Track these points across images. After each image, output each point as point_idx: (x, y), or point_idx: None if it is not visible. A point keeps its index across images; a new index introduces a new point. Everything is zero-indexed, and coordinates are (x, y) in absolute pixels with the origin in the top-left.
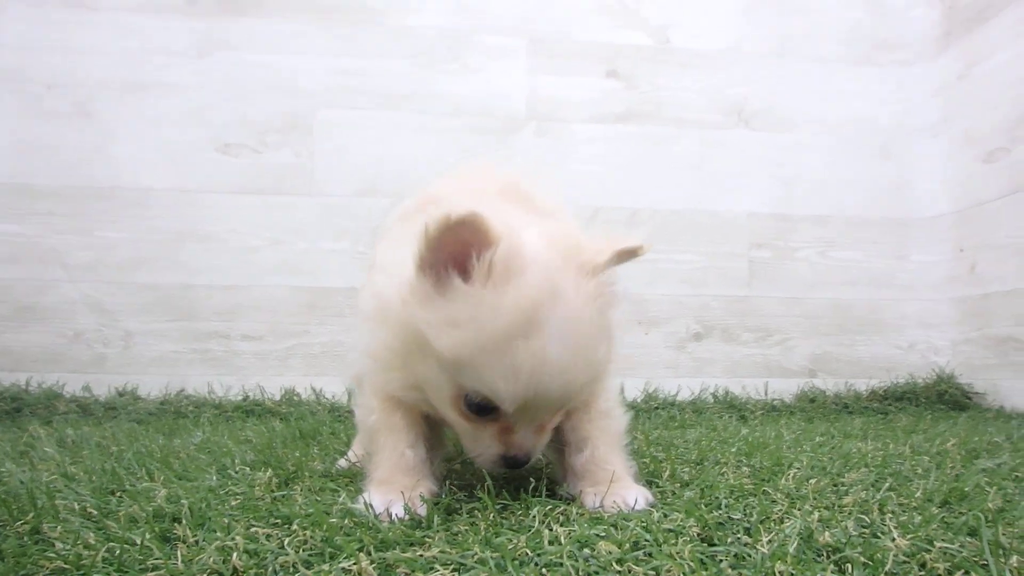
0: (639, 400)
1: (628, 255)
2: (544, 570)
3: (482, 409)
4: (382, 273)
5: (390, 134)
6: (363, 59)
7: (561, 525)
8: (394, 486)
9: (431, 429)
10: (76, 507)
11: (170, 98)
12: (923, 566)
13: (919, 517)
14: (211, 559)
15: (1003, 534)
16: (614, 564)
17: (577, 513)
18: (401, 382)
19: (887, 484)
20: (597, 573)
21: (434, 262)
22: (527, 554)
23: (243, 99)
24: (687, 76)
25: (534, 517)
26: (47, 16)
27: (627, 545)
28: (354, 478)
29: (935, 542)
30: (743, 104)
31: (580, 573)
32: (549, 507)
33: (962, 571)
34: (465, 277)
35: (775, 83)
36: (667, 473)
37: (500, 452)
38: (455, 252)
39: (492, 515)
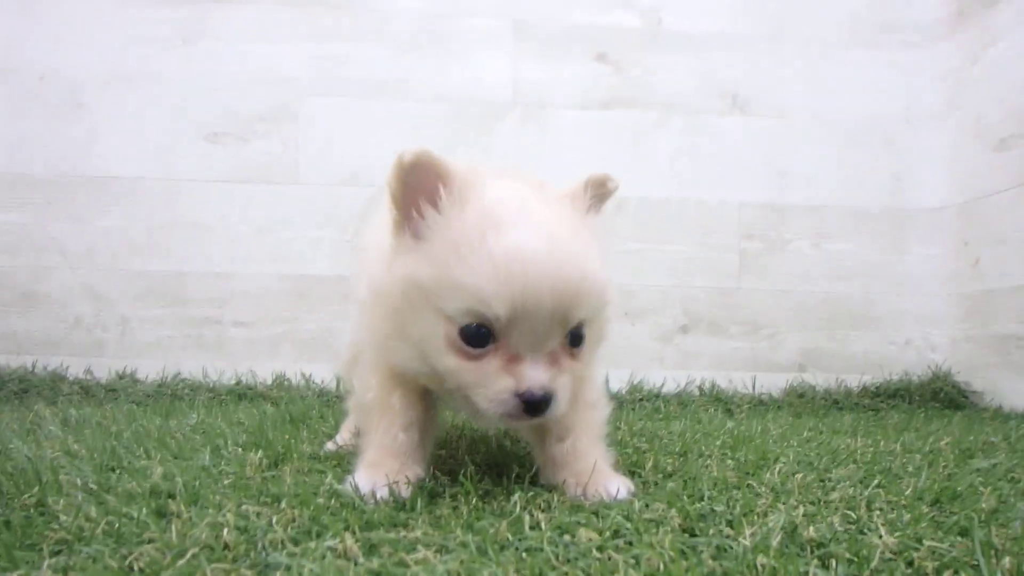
0: (623, 392)
1: (599, 185)
2: (524, 555)
3: (477, 335)
4: (372, 258)
5: (374, 122)
6: (346, 46)
7: (542, 512)
8: (381, 469)
9: (426, 411)
10: (78, 482)
11: (157, 88)
12: (910, 564)
13: (908, 515)
14: (203, 534)
15: (996, 535)
16: (594, 551)
17: (558, 501)
18: (401, 352)
19: (876, 481)
20: (577, 559)
21: (405, 209)
22: (508, 539)
23: (229, 88)
24: (679, 60)
25: (515, 503)
26: (34, 8)
27: (607, 533)
28: (341, 460)
29: (924, 540)
30: (737, 89)
31: (560, 559)
32: (531, 494)
33: (951, 570)
34: (437, 209)
35: (771, 67)
36: (650, 464)
37: (512, 388)
38: (421, 191)
39: (474, 500)
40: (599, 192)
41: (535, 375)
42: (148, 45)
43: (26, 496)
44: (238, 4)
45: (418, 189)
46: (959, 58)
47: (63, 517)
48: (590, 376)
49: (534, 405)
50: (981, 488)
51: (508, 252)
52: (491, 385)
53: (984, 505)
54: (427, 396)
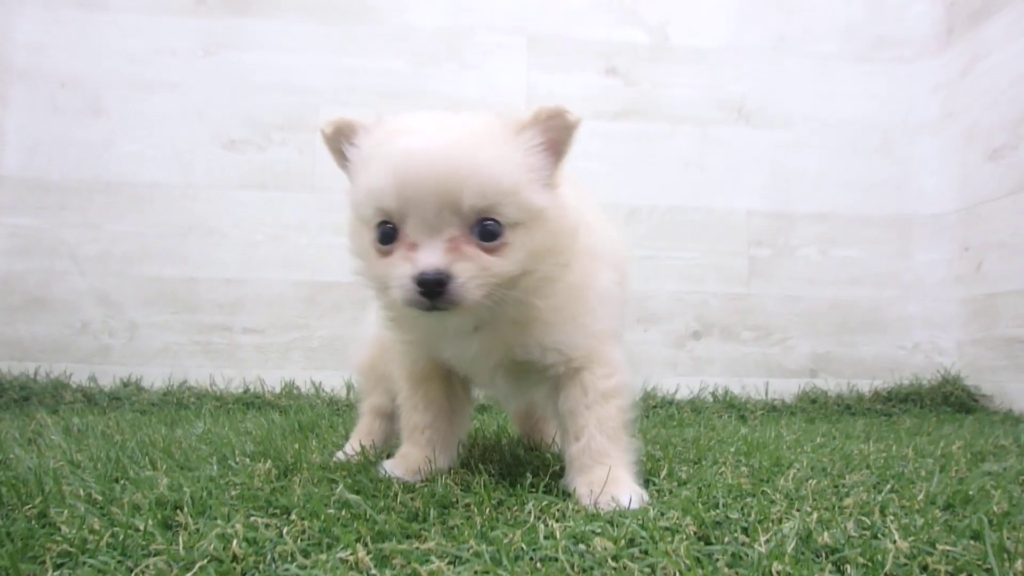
0: (637, 399)
1: (551, 117)
2: (539, 564)
3: (385, 233)
4: None
5: None
6: (363, 58)
7: (556, 520)
8: (408, 459)
9: (451, 407)
10: (81, 493)
11: (177, 96)
12: (924, 568)
13: (921, 520)
14: (211, 546)
15: (1008, 538)
16: (609, 560)
17: (573, 509)
18: (398, 322)
19: (889, 486)
20: (592, 569)
21: (342, 161)
22: (522, 548)
23: (248, 97)
24: (686, 73)
25: (530, 512)
26: (59, 16)
27: (623, 542)
28: (352, 470)
29: (937, 544)
30: (742, 101)
31: (575, 568)
32: (545, 503)
33: (964, 574)
34: (353, 144)
35: (774, 80)
36: (664, 472)
37: (409, 272)
38: (346, 141)
39: (488, 509)
40: (551, 124)
41: (427, 258)
42: (169, 55)
43: (28, 507)
44: (258, 16)
45: (343, 142)
46: (951, 71)
47: (66, 529)
48: (605, 362)
49: (429, 287)
50: (993, 491)
51: (396, 151)
52: (394, 274)
53: (996, 508)
54: (452, 392)
